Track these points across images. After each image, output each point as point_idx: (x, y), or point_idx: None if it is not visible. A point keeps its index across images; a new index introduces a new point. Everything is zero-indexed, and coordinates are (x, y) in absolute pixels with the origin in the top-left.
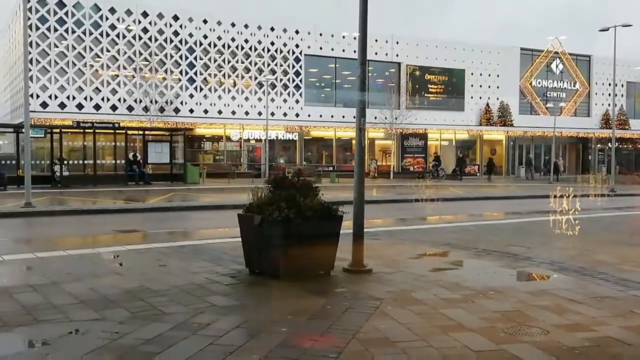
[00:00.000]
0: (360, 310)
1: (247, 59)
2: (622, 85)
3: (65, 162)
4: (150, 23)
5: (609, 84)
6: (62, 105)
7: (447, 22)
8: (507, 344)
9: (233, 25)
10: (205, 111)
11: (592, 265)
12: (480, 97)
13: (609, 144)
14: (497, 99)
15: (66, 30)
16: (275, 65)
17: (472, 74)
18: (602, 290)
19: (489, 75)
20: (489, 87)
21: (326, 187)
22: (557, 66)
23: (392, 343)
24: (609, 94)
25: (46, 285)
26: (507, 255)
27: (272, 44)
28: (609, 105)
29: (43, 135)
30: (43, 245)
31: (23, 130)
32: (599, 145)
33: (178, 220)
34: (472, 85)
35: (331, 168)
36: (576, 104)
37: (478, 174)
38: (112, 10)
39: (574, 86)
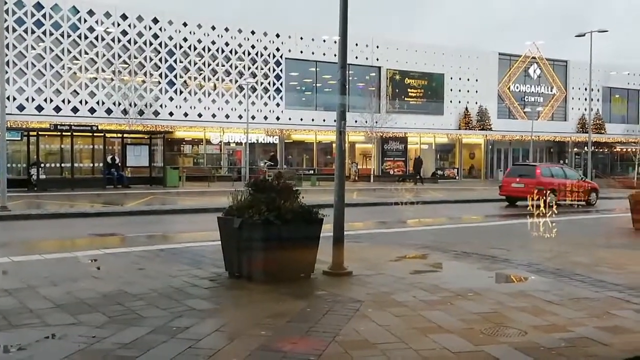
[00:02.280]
0: (340, 312)
1: (227, 62)
2: (598, 90)
3: (42, 165)
4: (129, 25)
5: (585, 89)
6: (40, 108)
7: (425, 27)
8: (485, 345)
9: (213, 28)
10: (185, 114)
11: (569, 267)
12: (460, 102)
13: (586, 147)
14: (476, 103)
15: (44, 33)
16: (256, 68)
17: (451, 78)
18: (579, 292)
19: (468, 79)
20: (468, 91)
21: (307, 190)
22: (534, 71)
23: (372, 345)
24: (585, 99)
25: (22, 289)
26: (486, 257)
27: (253, 47)
28: (586, 109)
29: (19, 138)
30: (19, 249)
31: None
32: (575, 149)
33: (157, 224)
34: (451, 90)
35: (312, 171)
36: (553, 108)
37: (457, 177)
38: (91, 13)
39: (551, 91)
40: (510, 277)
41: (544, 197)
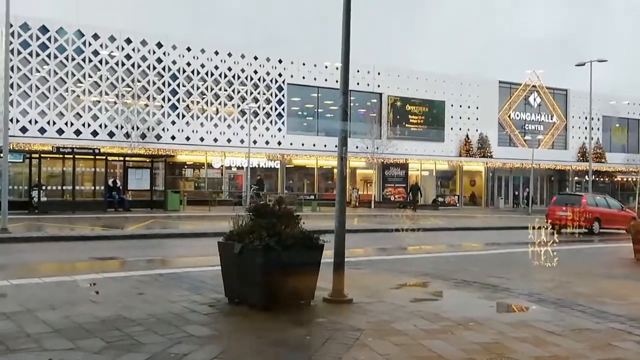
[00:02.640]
0: (340, 341)
1: (230, 87)
2: (599, 119)
3: (44, 187)
4: (133, 49)
5: (586, 118)
6: (42, 130)
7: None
8: None
9: (216, 53)
10: (187, 138)
11: (570, 297)
12: (460, 129)
13: (586, 176)
14: (477, 130)
15: (48, 55)
16: (258, 93)
17: (452, 105)
18: (581, 322)
19: (469, 107)
20: (469, 118)
21: (307, 215)
22: (534, 99)
23: None
24: (586, 128)
25: (20, 312)
26: (486, 286)
27: (255, 72)
28: (586, 138)
29: (22, 160)
30: (18, 272)
31: (1, 155)
32: (576, 178)
33: (157, 248)
34: (452, 117)
35: (313, 196)
36: (554, 136)
37: (458, 205)
38: (96, 36)
39: (552, 119)
40: (511, 307)
41: (590, 225)
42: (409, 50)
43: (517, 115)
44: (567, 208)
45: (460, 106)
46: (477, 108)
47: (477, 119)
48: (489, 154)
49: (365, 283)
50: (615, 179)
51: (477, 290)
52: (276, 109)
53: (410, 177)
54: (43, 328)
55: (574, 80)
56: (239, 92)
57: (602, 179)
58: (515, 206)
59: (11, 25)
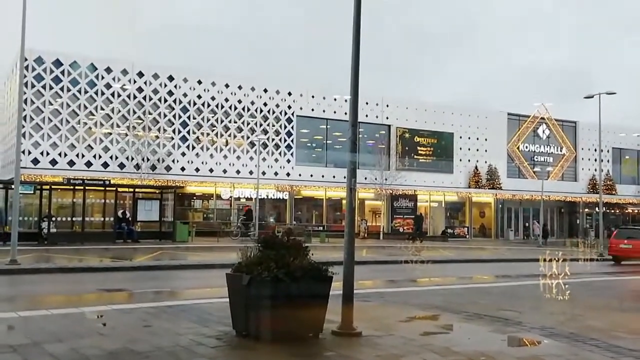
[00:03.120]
0: None
1: (239, 119)
2: (608, 151)
3: (54, 218)
4: (145, 83)
5: (595, 150)
6: (54, 162)
7: (432, 86)
8: None
9: (227, 86)
10: (197, 169)
11: (583, 331)
12: (469, 160)
13: (597, 208)
14: (486, 162)
15: (61, 88)
16: (268, 125)
17: (460, 137)
18: (594, 357)
19: (477, 138)
20: (477, 150)
21: (316, 246)
22: (543, 131)
23: None
24: (595, 160)
25: (27, 345)
26: (497, 320)
27: (265, 104)
28: (596, 170)
29: (32, 192)
30: (26, 304)
31: (12, 186)
32: (586, 210)
33: (165, 280)
34: (460, 148)
35: (321, 228)
36: (563, 168)
37: (467, 236)
38: (109, 70)
39: (561, 151)
40: (523, 341)
41: None
42: (419, 83)
43: (526, 147)
44: (628, 241)
45: (469, 138)
46: (486, 140)
47: (485, 150)
48: (498, 186)
49: (375, 316)
50: (626, 211)
51: (488, 324)
52: (285, 140)
53: (419, 209)
54: None
55: (583, 112)
56: (248, 124)
57: (612, 211)
58: (526, 238)
59: (26, 59)
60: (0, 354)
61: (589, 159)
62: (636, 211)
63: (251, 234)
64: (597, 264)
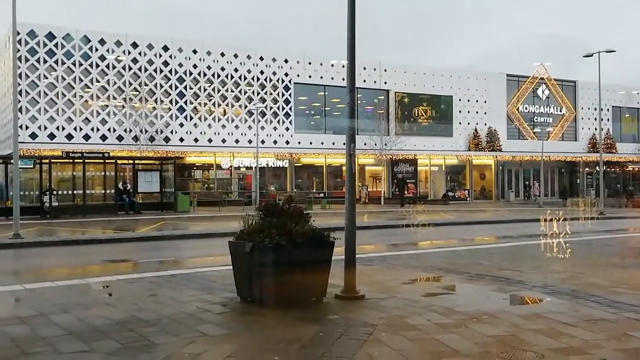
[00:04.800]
0: (353, 337)
1: (236, 88)
2: (608, 110)
3: (55, 192)
4: (140, 53)
5: (595, 109)
6: (52, 136)
7: (432, 49)
8: None
9: (222, 54)
10: (196, 140)
11: (584, 288)
12: (469, 123)
13: (597, 167)
14: (485, 124)
15: (56, 62)
16: (265, 93)
17: (459, 100)
18: (596, 313)
19: (477, 101)
20: (477, 112)
21: (317, 213)
22: (543, 92)
23: None
24: (595, 119)
25: (34, 317)
26: (499, 279)
27: (262, 72)
28: (596, 129)
29: (32, 166)
30: (31, 277)
31: (12, 161)
32: (587, 169)
33: (168, 249)
34: (460, 111)
35: (322, 194)
36: (563, 128)
37: (468, 199)
38: (102, 42)
39: (561, 111)
40: (525, 299)
41: None
42: (417, 46)
43: (526, 108)
44: None
45: (469, 100)
46: (485, 102)
47: (485, 113)
48: (498, 148)
49: (377, 279)
50: (627, 169)
51: (490, 284)
52: (283, 108)
53: (420, 173)
54: (57, 331)
55: (583, 73)
56: (245, 92)
57: (613, 169)
58: (527, 199)
59: (18, 33)
60: (9, 325)
61: (589, 118)
62: (636, 169)
63: None
64: (597, 222)
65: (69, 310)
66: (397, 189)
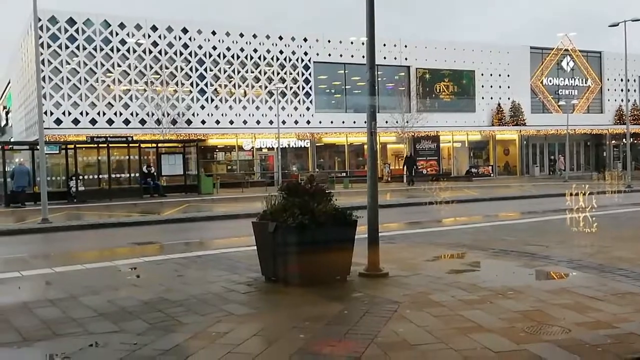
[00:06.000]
0: (377, 314)
1: (256, 69)
2: (635, 80)
3: (81, 177)
4: (159, 37)
5: (621, 80)
6: (76, 121)
7: (454, 24)
8: (528, 343)
9: (241, 35)
10: (217, 122)
11: (611, 262)
12: (492, 98)
13: (624, 139)
14: (509, 98)
15: (77, 47)
16: (285, 73)
17: (482, 74)
18: (623, 287)
19: (499, 75)
20: (500, 87)
21: (340, 192)
22: (567, 63)
23: (411, 346)
24: (622, 90)
25: (65, 299)
26: (524, 255)
27: (281, 52)
28: (622, 100)
29: (58, 152)
30: (61, 260)
31: (38, 147)
32: (613, 142)
33: (194, 231)
34: (482, 86)
35: (344, 174)
36: (588, 100)
37: (492, 175)
38: (122, 26)
39: (586, 83)
40: (551, 274)
41: None
42: (438, 21)
43: (550, 81)
44: None
45: (491, 75)
46: (508, 76)
47: (508, 87)
48: (522, 122)
49: (401, 256)
50: None
51: (515, 259)
52: (303, 88)
53: (442, 150)
54: (87, 312)
55: (608, 44)
56: (265, 73)
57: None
58: (552, 173)
59: (39, 20)
60: (40, 307)
61: (615, 90)
62: None
63: None
64: (624, 196)
65: (98, 292)
66: (405, 167)
